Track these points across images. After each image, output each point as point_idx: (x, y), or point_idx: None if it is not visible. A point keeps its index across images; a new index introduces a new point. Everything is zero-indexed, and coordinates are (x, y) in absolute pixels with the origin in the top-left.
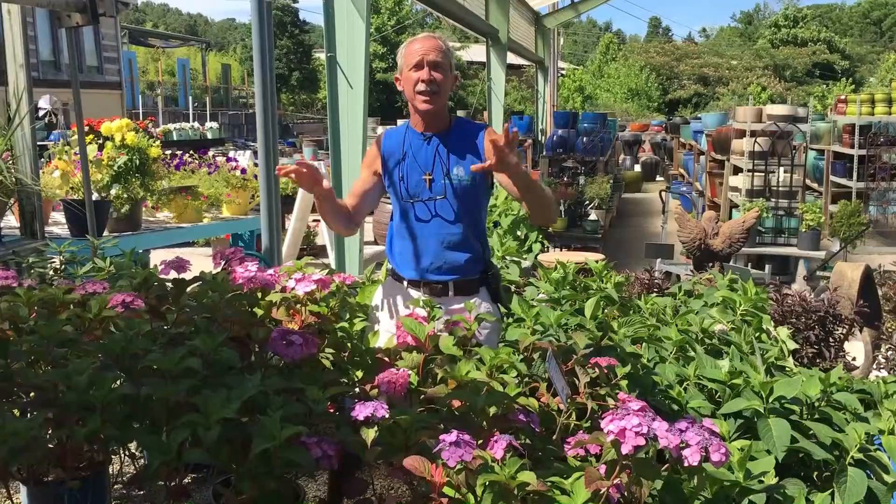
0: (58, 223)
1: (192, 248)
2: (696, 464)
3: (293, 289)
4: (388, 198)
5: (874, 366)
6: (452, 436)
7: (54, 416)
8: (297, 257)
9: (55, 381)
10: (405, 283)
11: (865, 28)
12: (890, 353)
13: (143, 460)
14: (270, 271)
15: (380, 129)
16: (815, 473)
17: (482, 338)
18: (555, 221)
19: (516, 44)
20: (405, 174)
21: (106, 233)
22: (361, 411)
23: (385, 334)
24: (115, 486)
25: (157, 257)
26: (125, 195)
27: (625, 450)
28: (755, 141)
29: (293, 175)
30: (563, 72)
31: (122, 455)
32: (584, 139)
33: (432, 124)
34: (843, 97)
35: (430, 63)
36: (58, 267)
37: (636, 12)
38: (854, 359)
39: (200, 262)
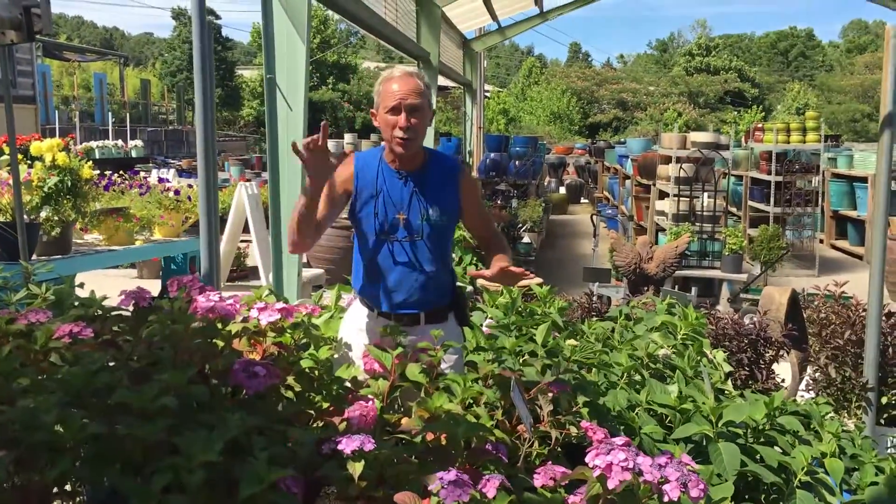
0: None
1: (116, 270)
2: (675, 499)
3: (256, 318)
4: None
5: (801, 386)
6: (451, 474)
7: (19, 457)
8: (228, 279)
9: (14, 419)
10: (375, 311)
11: (773, 58)
12: (817, 374)
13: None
14: (230, 301)
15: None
16: (763, 497)
17: (451, 363)
18: None
19: (446, 66)
20: (379, 210)
21: (35, 256)
22: (349, 445)
23: (357, 362)
24: None
25: (83, 281)
26: (56, 217)
27: (611, 484)
28: (681, 167)
29: (309, 146)
30: (488, 94)
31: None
32: (517, 163)
33: (409, 163)
34: (759, 125)
35: (408, 108)
36: None
37: (558, 38)
38: (783, 380)
39: (125, 284)
